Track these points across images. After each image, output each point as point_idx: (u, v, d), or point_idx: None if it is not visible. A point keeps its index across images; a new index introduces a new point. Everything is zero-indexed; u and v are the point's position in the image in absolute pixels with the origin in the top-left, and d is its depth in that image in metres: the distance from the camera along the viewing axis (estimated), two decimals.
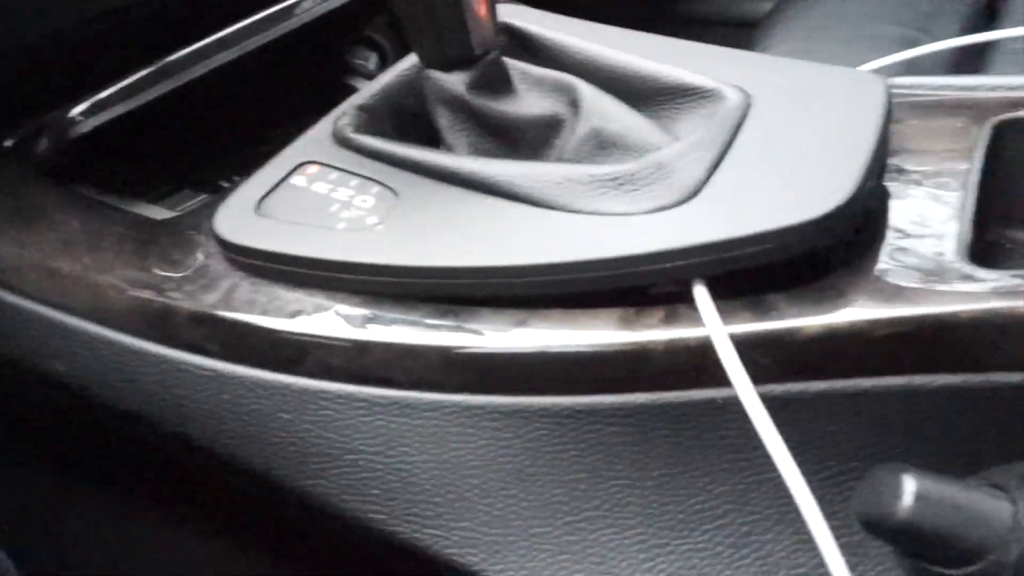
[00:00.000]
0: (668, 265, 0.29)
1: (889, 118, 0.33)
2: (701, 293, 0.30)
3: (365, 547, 0.35)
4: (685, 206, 0.31)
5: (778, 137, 0.33)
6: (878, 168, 0.32)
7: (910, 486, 0.21)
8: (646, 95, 0.37)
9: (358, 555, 0.36)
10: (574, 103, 0.36)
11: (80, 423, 0.41)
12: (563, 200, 0.32)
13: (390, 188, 0.35)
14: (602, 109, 0.35)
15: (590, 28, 0.40)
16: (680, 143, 0.33)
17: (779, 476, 0.30)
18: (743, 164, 0.32)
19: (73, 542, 0.48)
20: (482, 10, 0.35)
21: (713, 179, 0.31)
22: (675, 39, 0.41)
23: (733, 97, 0.34)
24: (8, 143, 0.42)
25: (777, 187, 0.30)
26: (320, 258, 0.33)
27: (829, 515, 0.26)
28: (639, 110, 0.37)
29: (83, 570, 0.48)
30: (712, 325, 0.29)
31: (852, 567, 0.29)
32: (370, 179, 0.35)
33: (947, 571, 0.22)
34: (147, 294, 0.36)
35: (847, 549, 0.29)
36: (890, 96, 0.34)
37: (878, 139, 0.31)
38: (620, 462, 0.31)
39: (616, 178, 0.32)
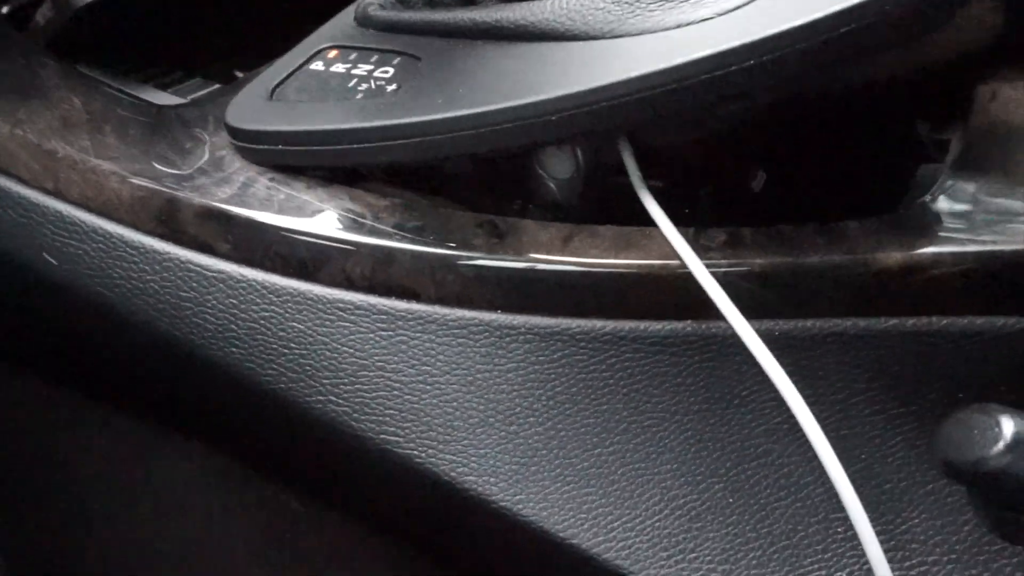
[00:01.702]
0: (749, 63, 0.25)
1: None
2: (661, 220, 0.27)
3: (375, 471, 0.33)
4: (757, 2, 0.26)
5: None
6: None
7: (1008, 429, 0.19)
8: None
9: (366, 480, 0.34)
10: None
11: (66, 328, 0.38)
12: (609, 25, 0.28)
13: (411, 55, 0.32)
14: None
15: None
16: None
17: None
18: None
19: (57, 473, 0.46)
20: None
21: None
22: None
23: None
24: (4, 10, 0.38)
25: None
26: (331, 129, 0.30)
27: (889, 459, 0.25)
28: None
29: (67, 498, 0.46)
30: (689, 258, 0.26)
31: (893, 511, 0.28)
32: (391, 51, 0.32)
33: None
34: (152, 184, 0.33)
35: (881, 494, 0.28)
36: None
37: None
38: (659, 393, 0.29)
39: None
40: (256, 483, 0.44)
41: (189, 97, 0.39)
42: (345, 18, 0.36)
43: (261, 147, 0.32)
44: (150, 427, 0.44)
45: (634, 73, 0.26)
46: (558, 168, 0.36)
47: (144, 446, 0.45)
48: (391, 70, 0.31)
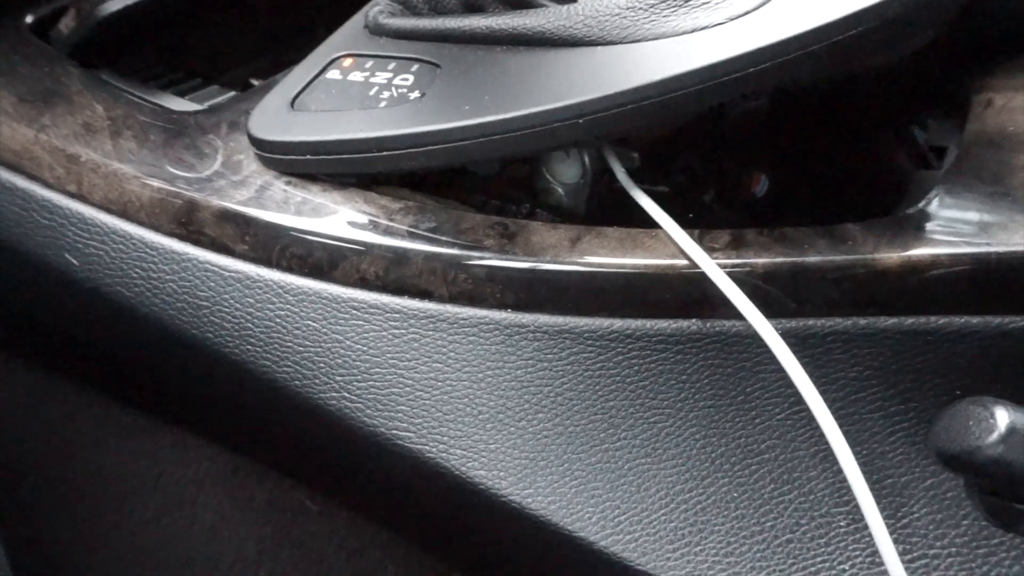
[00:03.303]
0: (764, 66, 0.26)
1: None
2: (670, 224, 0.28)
3: (387, 466, 0.34)
4: (771, 4, 0.27)
5: None
6: None
7: (1003, 420, 0.20)
8: None
9: (378, 475, 0.35)
10: None
11: (86, 327, 0.39)
12: (626, 31, 0.29)
13: (430, 62, 0.33)
14: None
15: None
16: None
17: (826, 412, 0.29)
18: None
19: (67, 470, 0.47)
20: None
21: None
22: None
23: None
24: (29, 20, 0.39)
25: None
26: (361, 138, 0.31)
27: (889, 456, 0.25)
28: None
29: (79, 497, 0.47)
30: (700, 258, 0.27)
31: (893, 505, 0.29)
32: (409, 58, 0.33)
33: None
34: (172, 187, 0.34)
35: (886, 485, 0.28)
36: None
37: None
38: (665, 391, 0.30)
39: None
40: (267, 482, 0.45)
41: (206, 103, 0.40)
42: (354, 27, 0.37)
43: (287, 157, 0.33)
44: (162, 426, 0.45)
45: (656, 77, 0.27)
46: (565, 173, 0.37)
47: (156, 445, 0.46)
48: (411, 77, 0.32)
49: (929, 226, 0.28)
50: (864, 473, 0.25)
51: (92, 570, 0.48)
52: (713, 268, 0.27)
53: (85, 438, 0.47)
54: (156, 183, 0.34)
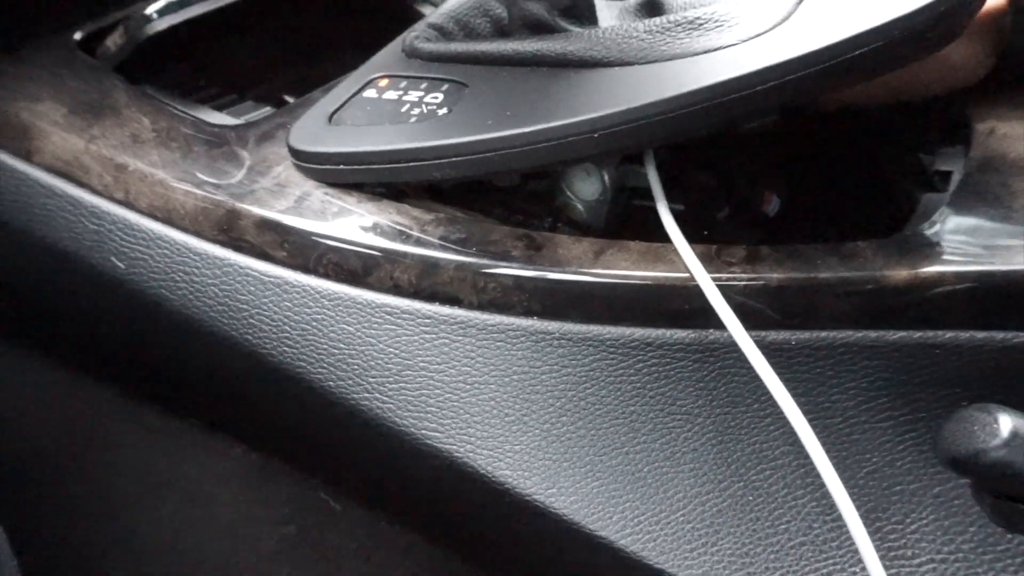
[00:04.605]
0: (776, 83, 0.27)
1: None
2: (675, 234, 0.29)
3: (416, 465, 0.35)
4: (782, 27, 0.29)
5: None
6: None
7: (1006, 425, 0.22)
8: None
9: (407, 474, 0.36)
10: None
11: (130, 328, 0.41)
12: (642, 52, 0.31)
13: (459, 82, 0.35)
14: (682, 2, 0.35)
15: None
16: None
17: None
18: None
19: (91, 465, 0.48)
20: None
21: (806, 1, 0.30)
22: None
23: None
24: (77, 37, 0.41)
25: None
26: (390, 149, 0.33)
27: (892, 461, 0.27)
28: None
29: (96, 494, 0.48)
30: (697, 272, 0.29)
31: (902, 511, 0.30)
32: (439, 79, 0.35)
33: None
34: (215, 196, 0.35)
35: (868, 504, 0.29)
36: None
37: None
38: (683, 397, 0.32)
39: (697, 19, 0.31)
40: (287, 480, 0.46)
41: (243, 118, 0.42)
42: (393, 50, 0.39)
43: (322, 167, 0.35)
44: (186, 425, 0.46)
45: (668, 94, 0.28)
46: (585, 190, 0.39)
47: (179, 443, 0.47)
48: (440, 95, 0.34)
49: (935, 245, 0.30)
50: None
51: (108, 567, 0.49)
52: (706, 280, 0.29)
53: (106, 436, 0.48)
54: (199, 192, 0.36)
